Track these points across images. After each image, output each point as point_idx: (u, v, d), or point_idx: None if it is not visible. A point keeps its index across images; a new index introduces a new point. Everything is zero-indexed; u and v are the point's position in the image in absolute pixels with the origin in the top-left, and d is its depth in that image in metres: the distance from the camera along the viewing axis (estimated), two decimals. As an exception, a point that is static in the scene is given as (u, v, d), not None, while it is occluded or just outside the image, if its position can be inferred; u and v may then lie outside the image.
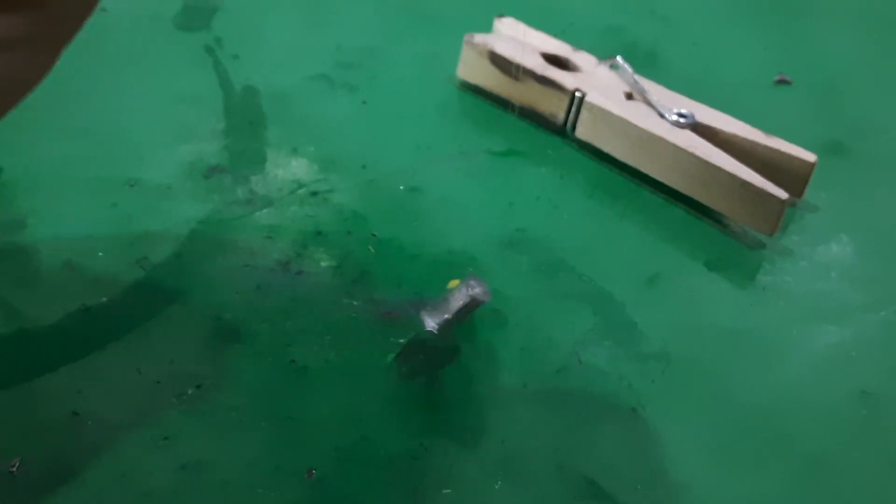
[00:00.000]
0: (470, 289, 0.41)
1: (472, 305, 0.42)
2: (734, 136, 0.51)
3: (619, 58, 0.54)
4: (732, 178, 0.49)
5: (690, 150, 0.50)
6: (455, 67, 0.57)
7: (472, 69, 0.56)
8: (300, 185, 0.50)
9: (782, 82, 0.60)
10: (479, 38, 0.56)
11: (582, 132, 0.53)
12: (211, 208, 0.48)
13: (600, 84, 0.53)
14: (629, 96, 0.53)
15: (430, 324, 0.42)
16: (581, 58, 0.55)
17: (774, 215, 0.48)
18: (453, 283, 0.43)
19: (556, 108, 0.54)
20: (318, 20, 0.61)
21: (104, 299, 0.42)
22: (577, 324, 0.45)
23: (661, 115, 0.52)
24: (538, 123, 0.55)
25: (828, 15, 0.65)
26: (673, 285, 0.47)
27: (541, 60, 0.54)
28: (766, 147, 0.51)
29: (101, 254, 0.45)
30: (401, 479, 0.37)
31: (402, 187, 0.50)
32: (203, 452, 0.37)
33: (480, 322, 0.44)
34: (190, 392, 0.39)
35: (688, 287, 0.48)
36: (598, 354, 0.43)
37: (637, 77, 0.53)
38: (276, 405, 0.39)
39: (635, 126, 0.51)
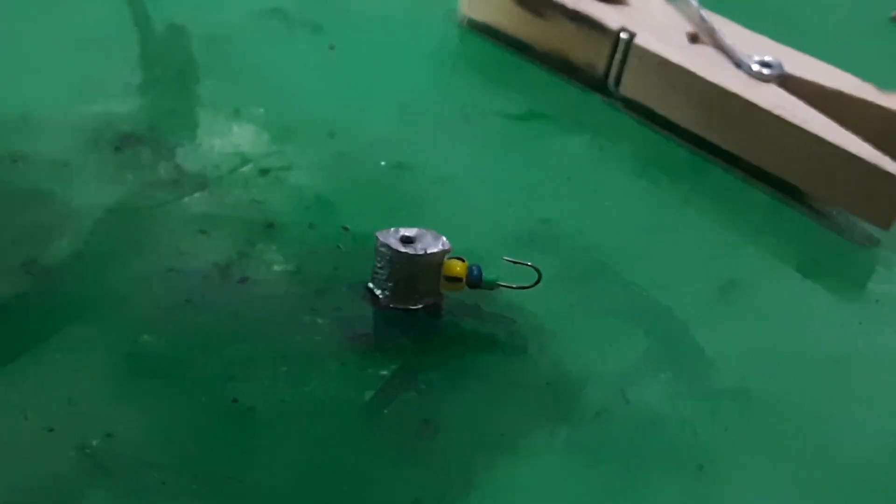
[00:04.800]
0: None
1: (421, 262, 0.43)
2: (837, 92, 0.51)
3: (680, -14, 0.54)
4: (835, 150, 0.49)
5: (776, 111, 0.50)
6: (456, 0, 0.58)
7: (480, 3, 0.56)
8: (245, 161, 0.50)
9: (902, 19, 0.60)
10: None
11: (629, 87, 0.53)
12: (123, 192, 0.48)
13: (654, 22, 0.54)
14: (694, 38, 0.54)
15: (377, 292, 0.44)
16: (628, -14, 0.55)
17: (892, 201, 0.48)
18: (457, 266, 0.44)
19: (594, 54, 0.54)
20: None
21: (-23, 316, 0.42)
22: (623, 349, 0.45)
23: (738, 65, 0.52)
24: (570, 76, 0.55)
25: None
26: (753, 297, 0.48)
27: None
28: (881, 108, 0.51)
29: (-28, 254, 0.44)
30: (384, 562, 0.37)
31: (383, 163, 0.50)
32: (113, 527, 0.37)
33: (491, 347, 0.44)
34: (95, 443, 0.39)
35: (773, 299, 0.48)
36: (652, 391, 0.43)
37: (705, 12, 0.53)
38: (212, 461, 0.39)
39: (701, 79, 0.51)
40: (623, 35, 0.52)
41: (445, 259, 0.44)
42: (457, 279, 0.44)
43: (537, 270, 0.44)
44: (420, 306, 0.45)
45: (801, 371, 0.45)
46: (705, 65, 0.52)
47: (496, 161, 0.51)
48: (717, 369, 0.44)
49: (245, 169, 0.50)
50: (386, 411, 0.41)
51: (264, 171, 0.50)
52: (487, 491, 0.40)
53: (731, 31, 0.53)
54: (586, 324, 0.46)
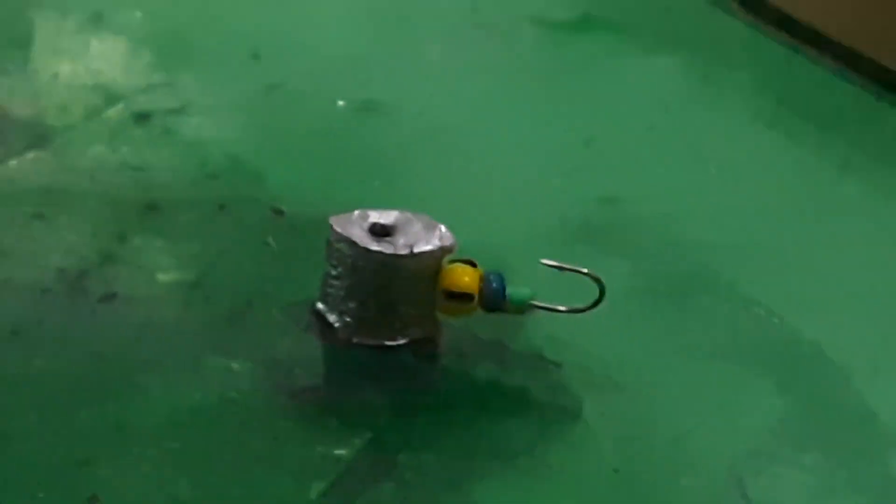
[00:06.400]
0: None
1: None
2: None
3: None
4: None
5: None
6: None
7: None
8: (111, 100, 0.49)
9: None
10: None
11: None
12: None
13: None
14: None
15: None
16: None
17: None
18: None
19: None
20: None
21: None
22: (742, 415, 0.42)
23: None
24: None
25: None
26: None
27: None
28: None
29: None
30: None
31: (341, 103, 0.49)
32: None
33: (522, 411, 0.41)
34: None
35: None
36: (789, 484, 0.40)
37: None
38: None
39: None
40: None
41: (446, 263, 0.41)
42: (465, 296, 0.41)
43: (598, 282, 0.41)
44: (403, 342, 0.42)
45: None
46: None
47: (529, 101, 0.49)
48: (897, 447, 0.45)
49: (111, 113, 0.47)
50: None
51: (143, 117, 0.48)
52: None
53: None
54: (680, 371, 0.43)
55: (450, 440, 0.41)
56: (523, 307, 0.42)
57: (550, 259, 0.43)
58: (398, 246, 0.41)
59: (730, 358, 0.44)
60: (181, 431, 0.39)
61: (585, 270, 0.42)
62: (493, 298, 0.42)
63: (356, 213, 0.42)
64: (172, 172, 0.46)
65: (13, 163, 0.46)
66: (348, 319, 0.42)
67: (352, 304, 0.42)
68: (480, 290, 0.42)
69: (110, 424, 0.39)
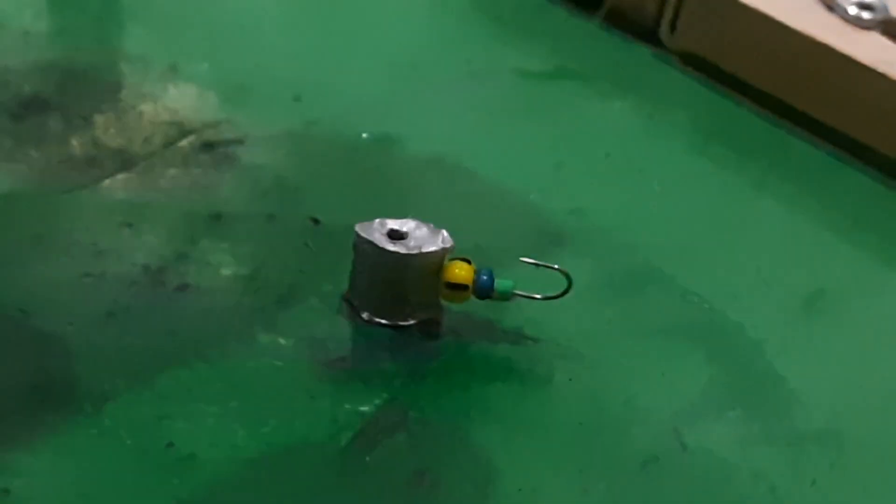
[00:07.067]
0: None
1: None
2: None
3: None
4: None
5: (880, 67, 0.51)
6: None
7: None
8: (184, 132, 0.51)
9: None
10: None
11: (688, 37, 0.54)
12: (24, 173, 0.49)
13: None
14: (772, -27, 0.53)
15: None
16: None
17: None
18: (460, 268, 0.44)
19: (640, -7, 0.54)
20: None
21: None
22: (679, 380, 0.45)
23: (830, 7, 0.53)
24: (610, 22, 0.56)
25: None
26: (848, 311, 0.48)
27: None
28: None
29: None
30: None
31: (365, 135, 0.51)
32: None
33: (506, 376, 0.44)
34: (-14, 501, 0.39)
35: (875, 315, 0.48)
36: (716, 434, 0.44)
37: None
38: (140, 524, 0.39)
39: (784, 26, 0.52)
40: (679, -32, 0.51)
41: (446, 260, 0.44)
42: (461, 287, 0.44)
43: (567, 276, 0.44)
44: (413, 322, 0.45)
45: (911, 408, 0.44)
46: (788, 7, 0.52)
47: (512, 133, 0.52)
48: (801, 406, 0.45)
49: (184, 143, 0.50)
50: (368, 459, 0.41)
51: (209, 146, 0.50)
52: (500, 564, 0.39)
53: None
54: (630, 346, 0.46)
55: (449, 399, 0.43)
56: (507, 295, 0.44)
57: (529, 257, 0.45)
58: (409, 247, 0.43)
59: (669, 336, 0.47)
60: (238, 392, 0.42)
61: (557, 266, 0.44)
62: (484, 288, 0.44)
63: (376, 221, 0.44)
64: (232, 190, 0.48)
65: (106, 182, 0.48)
66: (370, 305, 0.45)
67: (373, 293, 0.44)
68: (474, 282, 0.44)
69: (183, 387, 0.42)
